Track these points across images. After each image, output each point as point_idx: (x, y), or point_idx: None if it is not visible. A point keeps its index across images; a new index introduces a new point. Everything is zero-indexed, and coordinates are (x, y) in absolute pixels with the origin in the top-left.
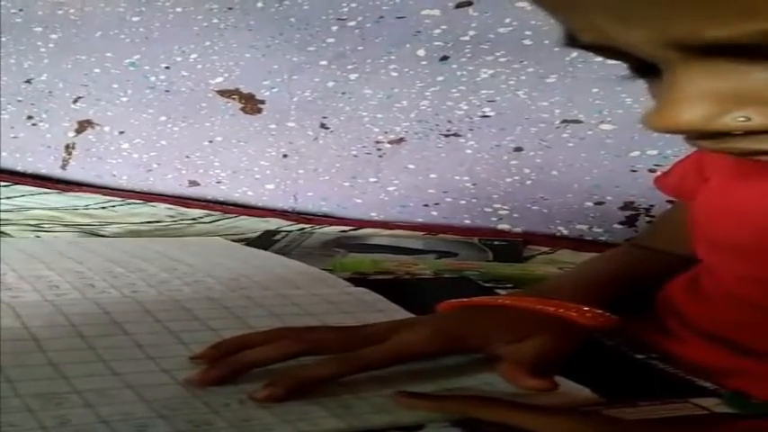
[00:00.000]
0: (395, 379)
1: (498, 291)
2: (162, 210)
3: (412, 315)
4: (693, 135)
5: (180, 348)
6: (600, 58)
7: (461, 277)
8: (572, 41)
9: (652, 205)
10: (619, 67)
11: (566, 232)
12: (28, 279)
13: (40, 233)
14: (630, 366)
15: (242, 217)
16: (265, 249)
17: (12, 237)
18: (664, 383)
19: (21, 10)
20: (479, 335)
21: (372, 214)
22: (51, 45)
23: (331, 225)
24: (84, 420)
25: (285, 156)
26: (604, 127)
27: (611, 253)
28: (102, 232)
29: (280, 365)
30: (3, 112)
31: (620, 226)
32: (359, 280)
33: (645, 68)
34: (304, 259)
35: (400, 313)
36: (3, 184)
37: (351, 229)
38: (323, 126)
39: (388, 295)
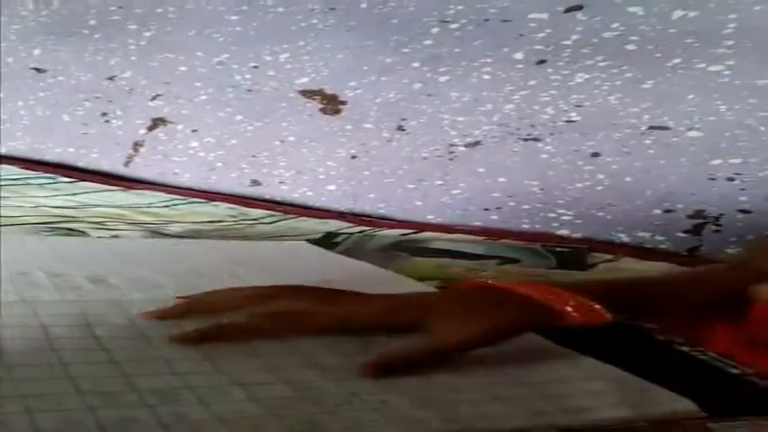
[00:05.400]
0: (492, 385)
1: None
2: (223, 209)
3: None
4: None
5: (282, 347)
6: (703, 64)
7: None
8: None
9: (722, 214)
10: (719, 74)
11: (626, 239)
12: (133, 280)
13: (104, 231)
14: (726, 381)
15: (302, 218)
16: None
17: (81, 233)
18: (762, 398)
19: (120, 7)
20: (419, 312)
21: (429, 217)
22: (143, 43)
23: (390, 228)
24: (201, 417)
25: (354, 157)
26: (691, 134)
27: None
28: (165, 231)
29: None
30: (78, 108)
31: (684, 234)
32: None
33: None
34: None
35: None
36: (67, 180)
37: (411, 233)
38: (400, 128)
39: None
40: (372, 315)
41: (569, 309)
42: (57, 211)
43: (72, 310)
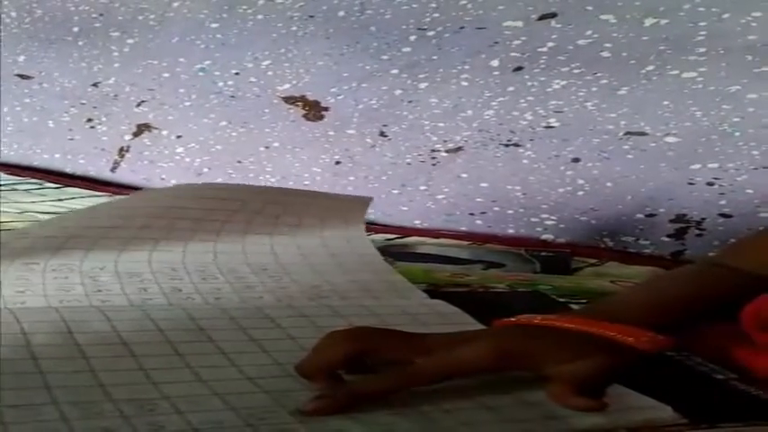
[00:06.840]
0: (474, 391)
1: (573, 306)
2: None
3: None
4: None
5: (263, 357)
6: (677, 71)
7: (535, 291)
8: None
9: (704, 218)
10: (692, 81)
11: (611, 244)
12: (121, 276)
13: None
14: (710, 386)
15: None
16: None
17: None
18: (747, 404)
19: (101, 15)
20: (533, 355)
21: (416, 222)
22: (126, 50)
23: (376, 232)
24: (178, 428)
25: (338, 162)
26: (669, 139)
27: (686, 270)
28: None
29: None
30: (64, 114)
31: (667, 239)
32: (434, 292)
33: None
34: None
35: (476, 327)
36: (54, 185)
37: (396, 237)
38: (382, 134)
39: (462, 308)
40: (478, 360)
41: (632, 339)
42: (43, 217)
43: (53, 316)
